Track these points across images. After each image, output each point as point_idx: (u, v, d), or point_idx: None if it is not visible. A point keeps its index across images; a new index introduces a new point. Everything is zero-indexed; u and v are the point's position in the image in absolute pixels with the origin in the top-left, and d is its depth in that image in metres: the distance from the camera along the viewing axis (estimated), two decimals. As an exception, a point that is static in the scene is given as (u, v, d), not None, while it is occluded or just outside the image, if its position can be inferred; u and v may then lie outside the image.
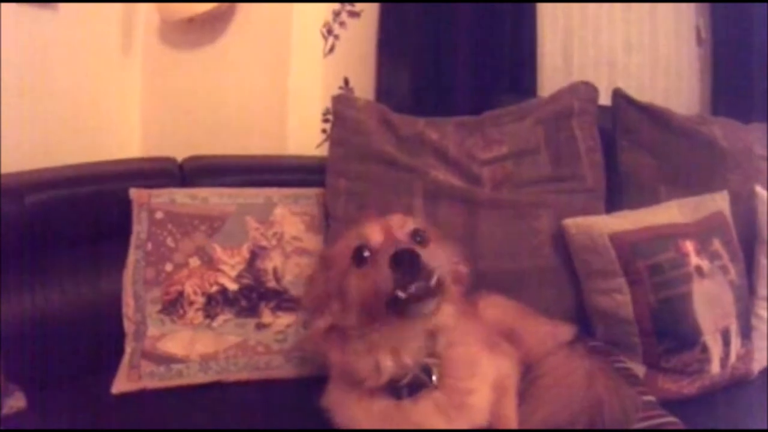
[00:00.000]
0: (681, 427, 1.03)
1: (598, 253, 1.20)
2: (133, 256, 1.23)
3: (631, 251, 1.19)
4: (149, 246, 1.22)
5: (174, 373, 1.14)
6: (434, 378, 0.86)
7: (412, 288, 0.76)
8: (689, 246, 1.21)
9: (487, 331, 1.02)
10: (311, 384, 0.97)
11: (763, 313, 1.29)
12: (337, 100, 1.38)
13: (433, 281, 0.78)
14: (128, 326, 1.20)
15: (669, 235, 1.21)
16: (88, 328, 1.23)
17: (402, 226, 0.86)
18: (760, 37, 1.68)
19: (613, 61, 1.82)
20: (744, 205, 1.34)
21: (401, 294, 0.77)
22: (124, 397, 1.12)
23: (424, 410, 0.86)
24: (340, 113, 1.34)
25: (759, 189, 1.34)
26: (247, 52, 1.58)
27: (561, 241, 1.26)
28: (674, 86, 1.82)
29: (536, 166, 1.32)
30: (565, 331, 1.16)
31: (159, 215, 1.24)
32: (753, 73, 1.69)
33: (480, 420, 0.91)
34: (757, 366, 1.25)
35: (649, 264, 1.18)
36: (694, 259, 1.20)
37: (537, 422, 0.96)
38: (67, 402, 1.10)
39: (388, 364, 0.84)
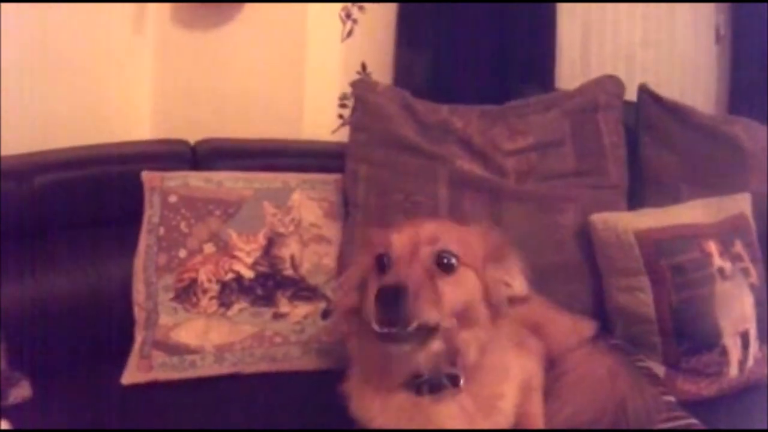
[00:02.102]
0: (701, 427, 1.02)
1: (623, 250, 1.18)
2: (144, 241, 1.19)
3: (655, 250, 1.17)
4: (162, 231, 1.18)
5: (187, 364, 1.11)
6: (461, 383, 0.82)
7: (385, 329, 0.73)
8: (713, 247, 1.20)
9: (516, 326, 1.00)
10: (331, 377, 0.94)
11: (781, 317, 1.29)
12: (357, 84, 1.35)
13: (412, 327, 0.73)
14: (139, 314, 1.16)
15: (693, 236, 1.20)
16: (97, 314, 1.20)
17: (432, 241, 0.79)
18: (780, 36, 1.67)
19: (630, 56, 1.79)
20: (764, 207, 1.33)
21: (377, 329, 0.74)
22: (134, 388, 1.08)
23: (445, 410, 0.83)
24: (361, 98, 1.31)
25: (780, 191, 1.34)
26: (263, 34, 1.53)
27: (584, 236, 1.24)
28: (691, 83, 1.80)
29: (560, 159, 1.30)
30: (587, 327, 1.14)
31: (172, 199, 1.20)
32: (771, 73, 1.67)
33: (505, 423, 0.88)
34: (772, 371, 1.24)
35: (672, 263, 1.17)
36: (717, 261, 1.19)
37: (562, 421, 0.95)
38: (74, 392, 1.06)
39: (399, 366, 0.80)
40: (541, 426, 0.93)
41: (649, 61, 1.79)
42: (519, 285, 0.85)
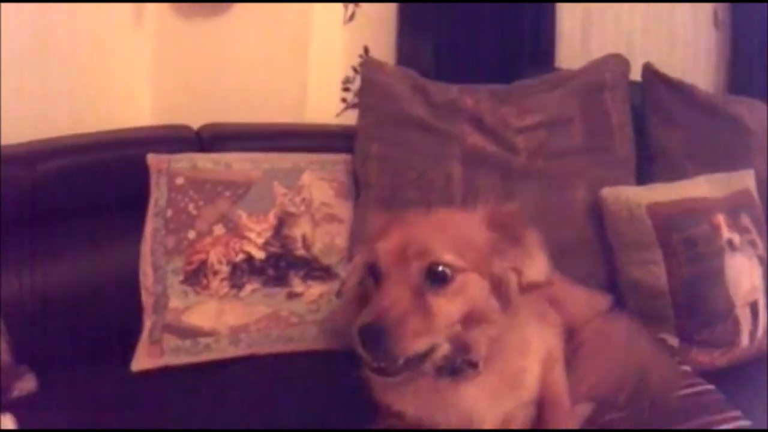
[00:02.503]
0: (719, 394, 1.02)
1: (634, 225, 1.18)
2: (151, 224, 1.17)
3: (666, 223, 1.18)
4: (169, 213, 1.16)
5: (202, 347, 1.08)
6: (480, 365, 0.81)
7: (374, 364, 0.72)
8: (721, 219, 1.21)
9: (535, 299, 0.99)
10: (348, 357, 0.92)
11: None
12: (365, 65, 1.35)
13: (401, 361, 0.72)
14: (147, 299, 1.13)
15: (702, 209, 1.21)
16: (101, 302, 1.17)
17: (421, 255, 0.75)
18: (778, 20, 1.70)
19: (630, 42, 1.80)
20: (765, 187, 1.34)
21: (366, 363, 0.73)
22: (145, 374, 1.06)
23: (465, 392, 0.82)
24: (369, 78, 1.30)
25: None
26: (265, 20, 1.51)
27: (594, 212, 1.25)
28: (691, 68, 1.81)
29: (570, 137, 1.30)
30: (602, 300, 1.15)
31: (179, 181, 1.18)
32: (769, 57, 1.70)
33: (528, 396, 0.88)
34: (779, 342, 1.25)
35: (683, 237, 1.17)
36: (726, 233, 1.20)
37: (584, 392, 0.95)
38: (79, 383, 1.04)
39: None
40: (565, 395, 0.93)
41: (648, 46, 1.80)
42: (537, 269, 0.80)
